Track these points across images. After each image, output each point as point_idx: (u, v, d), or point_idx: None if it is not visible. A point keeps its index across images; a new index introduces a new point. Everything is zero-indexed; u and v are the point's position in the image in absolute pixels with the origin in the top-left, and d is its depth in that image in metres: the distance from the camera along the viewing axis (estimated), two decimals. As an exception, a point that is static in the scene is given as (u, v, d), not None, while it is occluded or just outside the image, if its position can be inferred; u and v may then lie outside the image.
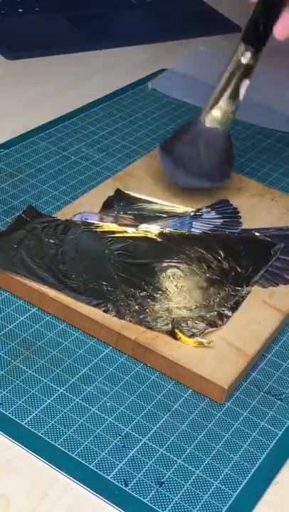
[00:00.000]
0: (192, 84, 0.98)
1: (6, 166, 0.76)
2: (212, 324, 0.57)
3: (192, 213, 0.69)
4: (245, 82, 0.67)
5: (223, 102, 0.68)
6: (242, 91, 0.67)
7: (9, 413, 0.52)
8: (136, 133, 0.86)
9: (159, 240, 0.65)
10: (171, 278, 0.61)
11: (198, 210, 0.70)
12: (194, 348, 0.56)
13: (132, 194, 0.71)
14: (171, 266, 0.62)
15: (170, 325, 0.57)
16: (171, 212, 0.69)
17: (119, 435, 0.51)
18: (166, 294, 0.60)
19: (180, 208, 0.70)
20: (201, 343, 0.56)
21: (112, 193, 0.71)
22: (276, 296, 0.62)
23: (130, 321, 0.57)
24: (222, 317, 0.58)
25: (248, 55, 0.66)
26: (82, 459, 0.49)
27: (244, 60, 0.66)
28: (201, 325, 0.57)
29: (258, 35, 0.66)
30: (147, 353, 0.56)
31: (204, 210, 0.71)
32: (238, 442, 0.52)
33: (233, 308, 0.59)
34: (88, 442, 0.50)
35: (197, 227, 0.68)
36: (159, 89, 0.97)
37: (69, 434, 0.51)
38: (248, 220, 0.70)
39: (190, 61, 1.05)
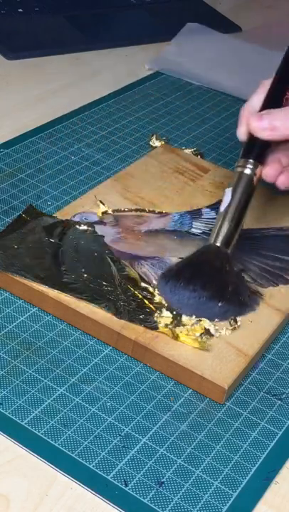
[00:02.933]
0: (187, 60, 1.02)
1: (6, 166, 0.76)
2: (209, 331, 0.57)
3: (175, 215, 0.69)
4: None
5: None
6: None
7: (9, 413, 0.52)
8: (136, 133, 0.86)
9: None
10: None
11: (198, 210, 0.70)
12: (194, 348, 0.55)
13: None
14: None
15: (170, 324, 0.57)
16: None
17: (119, 435, 0.51)
18: None
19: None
20: (201, 344, 0.55)
21: (112, 193, 0.71)
22: (276, 296, 0.62)
23: (130, 321, 0.57)
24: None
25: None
26: (82, 459, 0.49)
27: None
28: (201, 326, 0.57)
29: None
30: (147, 353, 0.56)
31: (204, 210, 0.71)
32: (238, 442, 0.52)
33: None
34: (88, 442, 0.50)
35: (197, 227, 0.68)
36: (156, 68, 1.00)
37: (69, 434, 0.51)
38: (247, 220, 0.70)
39: (182, 38, 1.08)
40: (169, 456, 0.50)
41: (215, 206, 0.71)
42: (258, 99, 0.64)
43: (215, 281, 0.58)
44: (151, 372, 0.56)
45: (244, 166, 0.61)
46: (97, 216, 0.67)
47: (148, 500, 0.48)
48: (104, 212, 0.68)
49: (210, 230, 0.68)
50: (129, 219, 0.68)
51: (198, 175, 0.76)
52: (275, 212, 0.72)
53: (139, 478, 0.49)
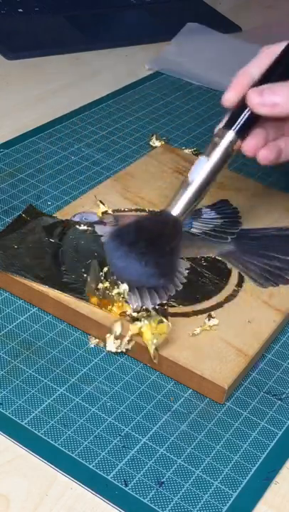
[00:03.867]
0: (187, 60, 1.02)
1: (6, 166, 0.76)
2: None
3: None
4: None
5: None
6: None
7: (9, 413, 0.52)
8: (136, 133, 0.86)
9: None
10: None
11: (198, 210, 0.70)
12: (194, 348, 0.55)
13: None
14: None
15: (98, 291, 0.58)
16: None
17: (119, 435, 0.51)
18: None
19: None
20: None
21: (112, 193, 0.71)
22: (276, 296, 0.62)
23: (61, 291, 0.58)
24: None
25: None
26: (82, 459, 0.49)
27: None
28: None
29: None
30: (147, 353, 0.56)
31: (204, 210, 0.71)
32: (238, 442, 0.52)
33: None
34: (88, 442, 0.50)
35: (197, 227, 0.68)
36: (156, 68, 1.00)
37: (69, 434, 0.51)
38: (248, 220, 0.70)
39: (182, 38, 1.08)
40: (169, 456, 0.50)
41: (215, 206, 0.71)
42: (257, 67, 0.59)
43: (152, 247, 0.57)
44: (151, 372, 0.56)
45: (222, 137, 0.58)
46: (97, 216, 0.67)
47: (148, 500, 0.48)
48: (105, 212, 0.68)
49: (210, 230, 0.68)
50: (129, 219, 0.68)
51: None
52: (275, 212, 0.72)
53: (139, 478, 0.49)
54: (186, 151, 0.81)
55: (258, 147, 0.59)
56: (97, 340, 0.58)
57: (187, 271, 0.63)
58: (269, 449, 0.52)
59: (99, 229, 0.65)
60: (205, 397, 0.55)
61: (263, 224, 0.70)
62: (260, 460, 0.51)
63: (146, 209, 0.70)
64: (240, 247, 0.67)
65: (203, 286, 0.62)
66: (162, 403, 0.54)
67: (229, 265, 0.64)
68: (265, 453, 0.52)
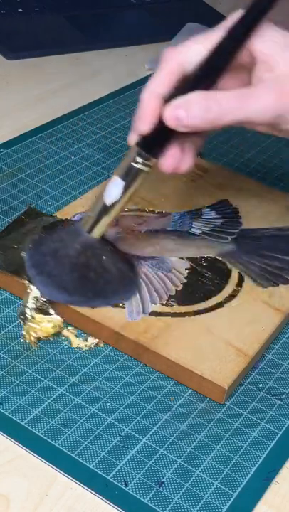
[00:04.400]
0: None
1: (6, 166, 0.76)
2: None
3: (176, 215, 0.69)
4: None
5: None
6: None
7: (9, 413, 0.52)
8: (136, 133, 0.86)
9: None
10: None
11: (198, 210, 0.70)
12: (194, 348, 0.55)
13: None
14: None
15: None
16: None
17: (119, 435, 0.51)
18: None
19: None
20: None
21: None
22: (276, 296, 0.62)
23: None
24: None
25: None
26: (82, 459, 0.49)
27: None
28: None
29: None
30: (147, 353, 0.56)
31: (204, 210, 0.71)
32: (238, 442, 0.52)
33: None
34: (88, 442, 0.50)
35: (197, 227, 0.68)
36: (156, 68, 0.98)
37: (69, 434, 0.51)
38: (248, 220, 0.70)
39: (182, 38, 1.07)
40: (169, 456, 0.50)
41: (215, 206, 0.71)
42: (161, 83, 0.54)
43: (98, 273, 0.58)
44: (151, 372, 0.56)
45: (139, 159, 0.54)
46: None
47: (148, 500, 0.48)
48: None
49: (210, 230, 0.68)
50: (129, 219, 0.68)
51: (198, 175, 0.76)
52: (275, 212, 0.72)
53: (139, 478, 0.49)
54: (186, 151, 0.81)
55: (174, 166, 0.54)
56: (96, 340, 0.58)
57: (187, 271, 0.63)
58: (269, 449, 0.52)
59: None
60: (205, 397, 0.55)
61: (263, 224, 0.70)
62: (260, 460, 0.51)
63: (146, 209, 0.70)
64: (240, 247, 0.67)
65: (203, 286, 0.62)
66: (162, 403, 0.54)
67: (229, 265, 0.64)
68: (265, 453, 0.52)
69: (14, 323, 0.58)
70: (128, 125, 0.87)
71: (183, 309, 0.59)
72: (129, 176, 0.55)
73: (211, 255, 0.65)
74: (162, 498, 0.48)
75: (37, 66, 0.98)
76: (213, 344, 0.56)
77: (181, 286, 0.61)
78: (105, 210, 0.56)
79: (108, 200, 0.56)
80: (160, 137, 0.53)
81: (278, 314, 0.60)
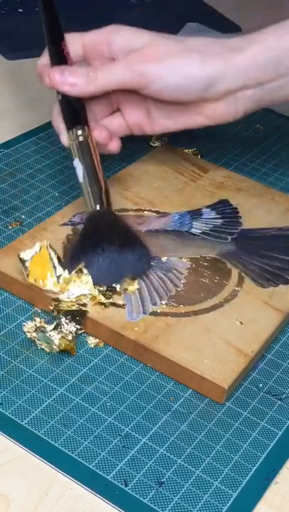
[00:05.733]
0: None
1: (6, 166, 0.76)
2: None
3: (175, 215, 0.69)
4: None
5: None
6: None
7: (9, 413, 0.52)
8: (136, 133, 0.86)
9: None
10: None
11: (198, 210, 0.70)
12: (194, 348, 0.55)
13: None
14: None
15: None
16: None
17: (119, 435, 0.51)
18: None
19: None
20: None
21: (112, 193, 0.71)
22: (276, 296, 0.62)
23: None
24: None
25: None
26: (82, 459, 0.49)
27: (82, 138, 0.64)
28: None
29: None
30: (147, 353, 0.56)
31: (204, 210, 0.71)
32: (238, 442, 0.52)
33: None
34: (88, 442, 0.50)
35: (197, 227, 0.68)
36: None
37: (69, 434, 0.51)
38: (248, 220, 0.70)
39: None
40: (169, 456, 0.50)
41: (215, 206, 0.71)
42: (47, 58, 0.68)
43: (116, 235, 0.61)
44: (151, 372, 0.56)
45: (74, 136, 0.64)
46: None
47: (148, 500, 0.48)
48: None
49: (210, 230, 0.68)
50: (129, 219, 0.68)
51: (198, 175, 0.76)
52: (275, 212, 0.72)
53: (139, 478, 0.49)
54: (186, 151, 0.81)
55: (107, 137, 0.66)
56: (96, 340, 0.58)
57: (187, 271, 0.63)
58: (269, 449, 0.52)
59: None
60: (205, 397, 0.55)
61: (263, 224, 0.70)
62: (260, 460, 0.51)
63: (147, 209, 0.70)
64: (240, 247, 0.67)
65: (203, 286, 0.62)
66: (162, 403, 0.54)
67: (229, 265, 0.64)
68: (265, 453, 0.52)
69: (14, 323, 0.58)
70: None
71: (183, 309, 0.59)
72: (78, 151, 0.64)
73: (211, 255, 0.65)
74: (162, 498, 0.48)
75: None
76: (213, 344, 0.56)
77: (181, 286, 0.61)
78: (86, 185, 0.63)
79: (80, 178, 0.64)
80: (70, 110, 0.65)
81: (278, 314, 0.60)
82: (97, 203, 0.63)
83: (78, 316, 0.57)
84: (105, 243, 0.59)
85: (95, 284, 0.58)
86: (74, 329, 0.56)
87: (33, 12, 1.09)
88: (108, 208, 0.63)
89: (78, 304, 0.57)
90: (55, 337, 0.55)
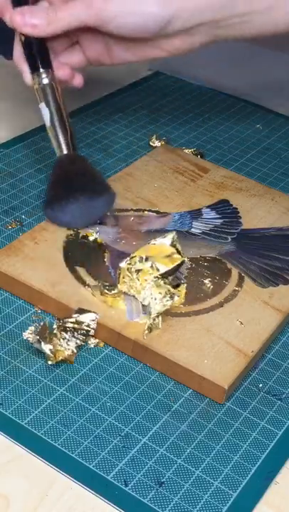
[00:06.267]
0: (187, 60, 1.01)
1: (6, 166, 0.76)
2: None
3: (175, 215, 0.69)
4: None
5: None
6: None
7: (9, 413, 0.52)
8: (136, 133, 0.86)
9: None
10: None
11: (198, 210, 0.70)
12: (194, 348, 0.56)
13: None
14: None
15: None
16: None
17: (119, 435, 0.51)
18: None
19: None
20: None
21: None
22: (276, 296, 0.62)
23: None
24: None
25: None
26: (82, 459, 0.49)
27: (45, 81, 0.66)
28: None
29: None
30: (147, 353, 0.56)
31: (204, 210, 0.71)
32: (238, 442, 0.52)
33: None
34: (88, 442, 0.50)
35: (197, 227, 0.68)
36: (156, 68, 1.01)
37: (69, 434, 0.51)
38: (248, 220, 0.70)
39: None
40: (169, 456, 0.50)
41: (215, 206, 0.71)
42: None
43: (87, 180, 0.64)
44: (151, 372, 0.56)
45: (39, 79, 0.66)
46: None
47: (148, 500, 0.48)
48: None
49: (210, 230, 0.68)
50: (129, 219, 0.68)
51: (198, 175, 0.76)
52: (275, 212, 0.72)
53: (139, 478, 0.49)
54: (186, 151, 0.81)
55: (70, 75, 0.69)
56: (96, 340, 0.58)
57: (187, 271, 0.63)
58: (269, 449, 0.52)
59: (99, 229, 0.66)
60: (205, 397, 0.55)
61: (263, 224, 0.70)
62: (260, 460, 0.51)
63: (147, 209, 0.70)
64: (240, 247, 0.67)
65: (203, 286, 0.62)
66: (162, 403, 0.54)
67: (229, 265, 0.65)
68: (265, 453, 0.52)
69: (14, 323, 0.58)
70: (128, 125, 0.87)
71: (183, 309, 0.59)
72: (44, 95, 0.66)
73: (211, 255, 0.65)
74: (162, 498, 0.48)
75: (37, 66, 0.98)
76: (213, 344, 0.56)
77: None
78: (54, 128, 0.65)
79: (47, 122, 0.66)
80: (33, 51, 0.67)
81: (278, 314, 0.60)
82: (65, 147, 0.65)
83: (82, 334, 0.57)
84: (78, 191, 0.62)
85: (68, 228, 0.63)
86: (74, 345, 0.56)
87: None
88: (74, 152, 0.65)
89: (85, 326, 0.57)
90: (52, 350, 0.55)
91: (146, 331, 0.56)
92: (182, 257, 0.58)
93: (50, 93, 0.66)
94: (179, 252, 0.58)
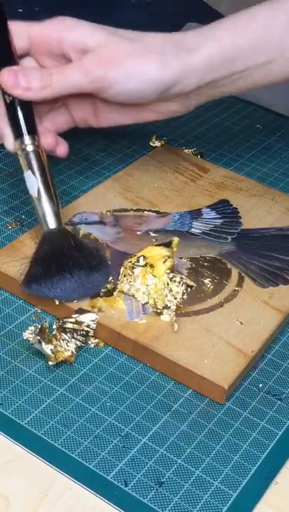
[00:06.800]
0: None
1: (6, 166, 0.76)
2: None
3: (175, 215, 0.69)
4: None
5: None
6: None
7: (9, 413, 0.52)
8: (136, 133, 0.86)
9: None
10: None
11: (198, 210, 0.70)
12: (194, 348, 0.56)
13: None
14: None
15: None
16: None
17: (119, 435, 0.51)
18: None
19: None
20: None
21: (112, 193, 0.71)
22: (276, 296, 0.62)
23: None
24: None
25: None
26: (82, 459, 0.49)
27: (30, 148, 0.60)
28: None
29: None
30: (147, 353, 0.56)
31: (204, 210, 0.71)
32: (238, 442, 0.52)
33: None
34: (88, 442, 0.50)
35: (197, 227, 0.68)
36: None
37: (69, 434, 0.51)
38: (248, 220, 0.70)
39: None
40: (169, 456, 0.50)
41: (215, 206, 0.71)
42: None
43: (81, 257, 0.58)
44: (151, 372, 0.56)
45: (23, 146, 0.59)
46: (97, 216, 0.67)
47: (148, 500, 0.48)
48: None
49: (210, 230, 0.68)
50: (129, 219, 0.68)
51: (198, 175, 0.76)
52: (275, 212, 0.72)
53: (139, 478, 0.49)
54: (186, 151, 0.81)
55: (54, 143, 0.62)
56: (96, 340, 0.58)
57: (187, 271, 0.63)
58: (269, 449, 0.52)
59: (99, 229, 0.66)
60: (205, 397, 0.55)
61: (263, 224, 0.70)
62: (260, 460, 0.51)
63: (147, 209, 0.70)
64: (240, 247, 0.67)
65: (203, 286, 0.62)
66: (162, 403, 0.54)
67: (229, 265, 0.65)
68: (265, 453, 0.52)
69: (14, 323, 0.58)
70: (128, 125, 0.87)
71: (183, 309, 0.59)
72: (29, 163, 0.59)
73: (211, 255, 0.65)
74: (162, 498, 0.48)
75: (37, 66, 0.98)
76: (213, 344, 0.56)
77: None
78: (39, 200, 0.59)
79: (33, 192, 0.59)
80: (18, 115, 0.60)
81: (278, 314, 0.60)
82: (54, 219, 0.59)
83: (82, 335, 0.57)
84: (74, 266, 0.57)
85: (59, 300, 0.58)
86: (74, 346, 0.56)
87: (33, 12, 1.09)
88: (64, 227, 0.60)
89: (84, 326, 0.57)
90: (52, 350, 0.55)
91: (176, 324, 0.57)
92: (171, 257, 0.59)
93: (36, 161, 0.59)
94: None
